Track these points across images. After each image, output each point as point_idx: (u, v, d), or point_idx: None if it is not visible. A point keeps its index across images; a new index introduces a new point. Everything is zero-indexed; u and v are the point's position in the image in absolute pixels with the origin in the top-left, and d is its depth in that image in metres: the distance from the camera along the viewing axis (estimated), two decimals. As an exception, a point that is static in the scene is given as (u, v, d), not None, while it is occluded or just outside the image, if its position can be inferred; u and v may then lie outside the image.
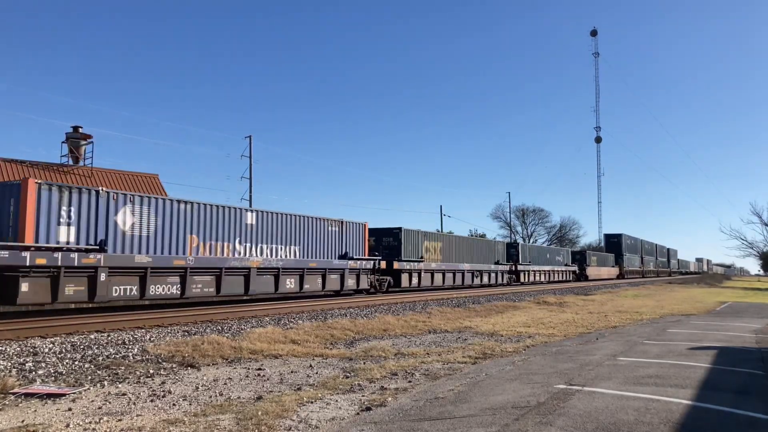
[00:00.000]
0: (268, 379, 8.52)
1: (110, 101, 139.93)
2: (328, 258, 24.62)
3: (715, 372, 8.99)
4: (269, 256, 21.49)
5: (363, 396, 7.35)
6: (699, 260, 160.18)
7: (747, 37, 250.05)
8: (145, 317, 15.23)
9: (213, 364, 9.70)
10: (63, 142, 33.89)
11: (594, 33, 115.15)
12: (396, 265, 29.40)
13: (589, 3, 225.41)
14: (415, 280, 31.06)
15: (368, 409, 6.60)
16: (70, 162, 33.79)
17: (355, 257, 26.25)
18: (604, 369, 9.10)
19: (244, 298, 22.69)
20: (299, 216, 23.43)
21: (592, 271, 62.75)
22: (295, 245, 22.91)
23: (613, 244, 78.96)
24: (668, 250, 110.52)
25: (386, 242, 30.40)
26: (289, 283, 22.36)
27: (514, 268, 44.01)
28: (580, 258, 62.15)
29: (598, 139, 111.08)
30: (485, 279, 39.91)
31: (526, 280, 45.52)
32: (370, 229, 30.35)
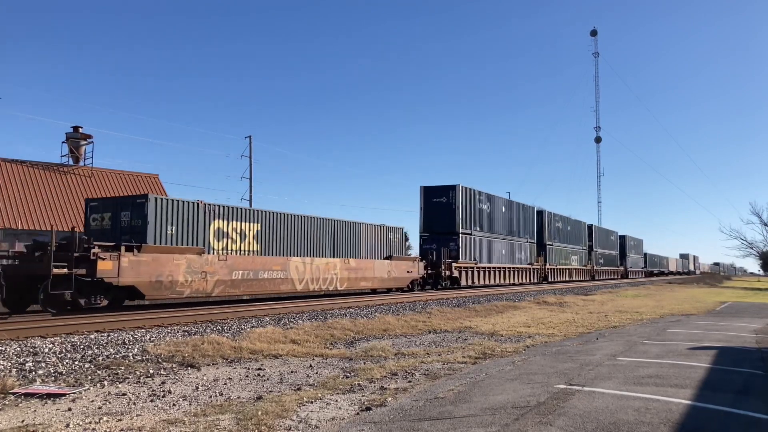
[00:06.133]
0: (268, 379, 8.51)
1: (110, 101, 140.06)
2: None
3: (716, 372, 8.99)
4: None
5: (363, 396, 7.34)
6: (684, 257, 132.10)
7: (747, 37, 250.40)
8: (145, 317, 15.22)
9: (213, 364, 9.70)
10: (63, 142, 33.94)
11: (594, 33, 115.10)
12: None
13: (589, 3, 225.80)
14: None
15: (368, 409, 6.60)
16: (70, 162, 33.80)
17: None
18: (604, 369, 9.09)
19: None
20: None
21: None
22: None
23: (438, 209, 35.21)
24: (623, 238, 77.99)
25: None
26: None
27: None
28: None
29: (598, 139, 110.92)
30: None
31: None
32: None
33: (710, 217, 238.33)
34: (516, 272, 43.45)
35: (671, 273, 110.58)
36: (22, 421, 6.05)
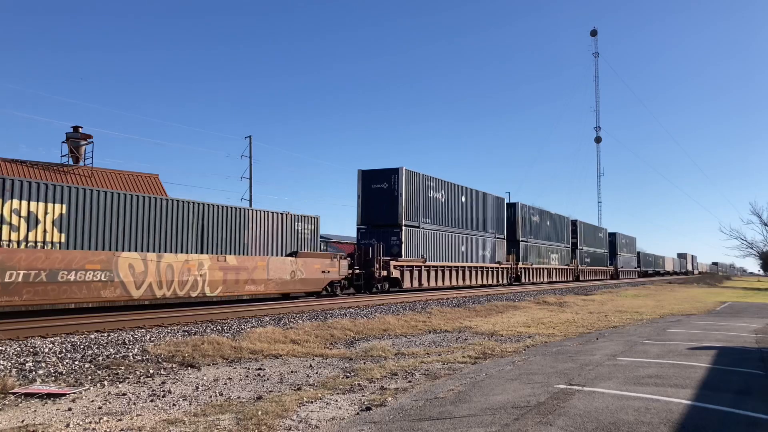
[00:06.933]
0: (268, 379, 8.52)
1: (110, 101, 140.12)
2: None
3: (715, 372, 8.99)
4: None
5: (363, 396, 7.35)
6: (681, 256, 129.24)
7: (747, 38, 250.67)
8: (145, 317, 15.23)
9: (213, 364, 9.70)
10: (63, 142, 33.91)
11: (594, 33, 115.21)
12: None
13: (589, 3, 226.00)
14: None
15: (368, 409, 6.60)
16: (70, 162, 33.79)
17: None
18: (604, 369, 9.09)
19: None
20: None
21: None
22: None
23: (377, 197, 30.50)
24: (614, 236, 73.71)
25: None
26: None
27: None
28: None
29: (598, 139, 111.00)
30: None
31: None
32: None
33: (709, 217, 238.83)
34: (479, 272, 37.56)
35: (667, 273, 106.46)
36: (22, 421, 6.06)
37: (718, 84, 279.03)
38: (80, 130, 34.49)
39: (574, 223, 58.86)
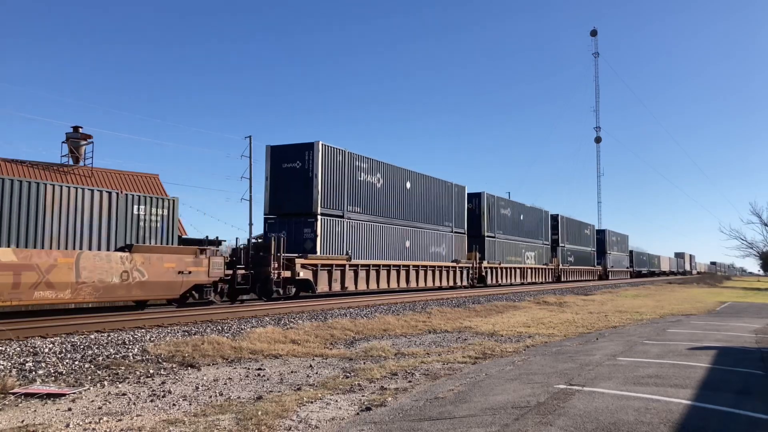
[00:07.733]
0: (268, 379, 8.51)
1: (110, 101, 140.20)
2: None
3: (716, 372, 8.99)
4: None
5: (363, 396, 7.34)
6: (679, 256, 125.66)
7: (747, 38, 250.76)
8: (145, 317, 15.21)
9: (213, 364, 9.70)
10: (63, 142, 33.90)
11: (594, 33, 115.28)
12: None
13: (589, 3, 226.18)
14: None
15: (368, 409, 6.60)
16: (71, 162, 33.78)
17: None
18: (604, 369, 9.09)
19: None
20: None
21: None
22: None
23: (289, 179, 24.11)
24: (603, 233, 68.18)
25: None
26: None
27: None
28: None
29: (598, 139, 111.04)
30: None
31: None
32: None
33: (708, 217, 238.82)
34: (430, 272, 31.30)
35: (663, 273, 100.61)
36: (22, 421, 6.05)
37: (718, 84, 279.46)
38: (80, 130, 34.49)
39: (554, 217, 52.23)
